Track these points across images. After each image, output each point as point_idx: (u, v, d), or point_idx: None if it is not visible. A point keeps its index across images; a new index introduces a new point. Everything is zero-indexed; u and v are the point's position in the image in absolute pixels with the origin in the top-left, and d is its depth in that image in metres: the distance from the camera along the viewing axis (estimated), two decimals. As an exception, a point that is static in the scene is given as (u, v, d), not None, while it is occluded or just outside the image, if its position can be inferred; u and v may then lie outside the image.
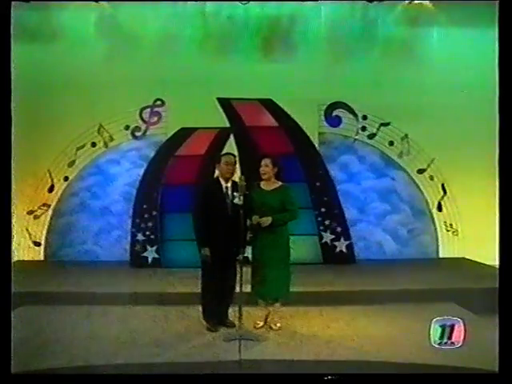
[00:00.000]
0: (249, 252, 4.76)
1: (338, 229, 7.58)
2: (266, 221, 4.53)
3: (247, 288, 4.63)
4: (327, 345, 4.30)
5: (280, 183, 4.74)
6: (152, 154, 7.70)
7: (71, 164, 7.81)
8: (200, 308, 4.74)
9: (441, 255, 8.00)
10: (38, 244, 7.80)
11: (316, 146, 7.73)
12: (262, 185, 4.75)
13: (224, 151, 6.41)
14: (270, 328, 4.69)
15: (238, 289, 4.46)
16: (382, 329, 4.77)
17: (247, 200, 4.53)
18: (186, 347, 4.23)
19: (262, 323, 4.77)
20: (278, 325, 4.71)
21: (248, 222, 4.63)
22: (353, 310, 5.34)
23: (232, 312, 4.75)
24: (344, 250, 7.60)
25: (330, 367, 3.90)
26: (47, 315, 5.10)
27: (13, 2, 3.48)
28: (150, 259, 7.39)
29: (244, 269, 4.48)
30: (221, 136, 7.50)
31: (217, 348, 4.20)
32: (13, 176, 3.42)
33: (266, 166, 4.68)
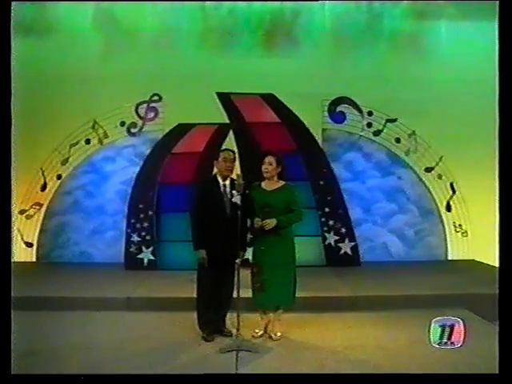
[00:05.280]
0: (249, 253, 4.45)
1: (343, 230, 7.35)
2: (271, 223, 4.21)
3: (246, 293, 4.32)
4: (333, 356, 3.98)
5: (283, 182, 4.42)
6: (148, 151, 7.50)
7: (64, 162, 7.63)
8: (195, 315, 4.43)
9: (449, 257, 7.77)
10: (29, 245, 7.61)
11: (319, 143, 7.50)
12: (264, 185, 4.42)
13: (223, 148, 6.15)
14: (270, 337, 4.38)
15: (236, 294, 4.17)
16: (392, 338, 4.46)
17: (248, 201, 4.25)
18: (180, 359, 3.93)
19: (261, 332, 4.45)
20: (279, 334, 4.39)
21: (248, 222, 4.36)
22: (359, 317, 5.05)
23: (229, 318, 4.47)
24: (349, 251, 7.36)
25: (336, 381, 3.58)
26: (36, 321, 4.79)
27: None
28: (145, 261, 7.16)
29: (243, 273, 4.19)
30: (220, 132, 7.28)
31: (212, 360, 3.90)
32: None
33: (270, 165, 4.35)
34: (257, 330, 4.45)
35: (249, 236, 4.45)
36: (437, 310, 4.87)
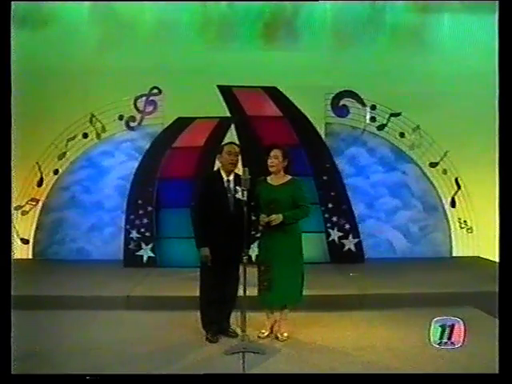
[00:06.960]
0: (253, 251, 4.31)
1: (347, 226, 7.23)
2: (277, 219, 4.04)
3: (251, 292, 4.14)
4: (343, 358, 3.84)
5: (289, 177, 4.27)
6: (147, 145, 7.35)
7: (61, 156, 7.48)
8: (198, 315, 4.28)
9: (454, 254, 7.66)
10: (25, 241, 7.46)
11: (322, 137, 7.37)
12: (269, 179, 4.27)
13: (224, 142, 6.01)
14: (277, 338, 4.24)
15: (241, 293, 4.02)
16: (402, 338, 4.33)
17: (253, 197, 4.10)
18: (184, 361, 3.79)
19: (267, 332, 4.30)
20: (286, 334, 4.24)
21: (253, 218, 4.20)
22: (367, 316, 4.92)
23: (234, 317, 4.33)
24: (352, 248, 7.24)
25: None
26: (33, 320, 4.63)
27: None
28: (145, 258, 7.04)
29: (248, 271, 4.02)
30: (221, 126, 7.14)
31: (218, 362, 3.76)
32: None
33: (276, 158, 4.19)
34: (263, 331, 4.31)
35: (252, 232, 4.32)
36: (445, 308, 4.76)
